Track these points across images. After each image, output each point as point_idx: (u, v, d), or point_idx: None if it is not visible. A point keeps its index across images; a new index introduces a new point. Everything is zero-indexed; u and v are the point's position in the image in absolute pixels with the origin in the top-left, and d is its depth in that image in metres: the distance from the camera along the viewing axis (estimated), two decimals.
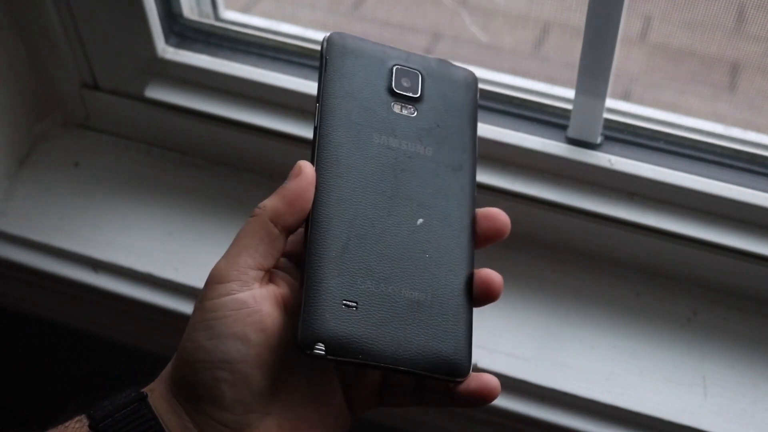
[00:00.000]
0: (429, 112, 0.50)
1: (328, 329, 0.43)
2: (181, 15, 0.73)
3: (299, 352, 0.42)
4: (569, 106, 0.64)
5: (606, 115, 0.64)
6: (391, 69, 0.49)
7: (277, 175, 0.74)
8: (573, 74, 0.61)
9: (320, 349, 0.42)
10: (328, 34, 0.49)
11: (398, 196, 0.47)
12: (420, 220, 0.48)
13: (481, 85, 0.68)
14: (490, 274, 0.48)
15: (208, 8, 0.74)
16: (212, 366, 0.42)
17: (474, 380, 0.45)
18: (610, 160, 0.63)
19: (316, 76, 0.70)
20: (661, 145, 0.65)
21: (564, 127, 0.65)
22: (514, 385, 0.62)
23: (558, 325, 0.65)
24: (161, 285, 0.70)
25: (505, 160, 0.66)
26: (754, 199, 0.61)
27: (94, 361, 0.87)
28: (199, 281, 0.69)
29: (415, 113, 0.50)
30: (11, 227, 0.73)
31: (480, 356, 0.63)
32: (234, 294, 0.44)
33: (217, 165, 0.76)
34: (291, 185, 0.45)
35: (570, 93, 0.64)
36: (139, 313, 0.71)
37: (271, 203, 0.45)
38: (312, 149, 0.47)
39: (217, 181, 0.75)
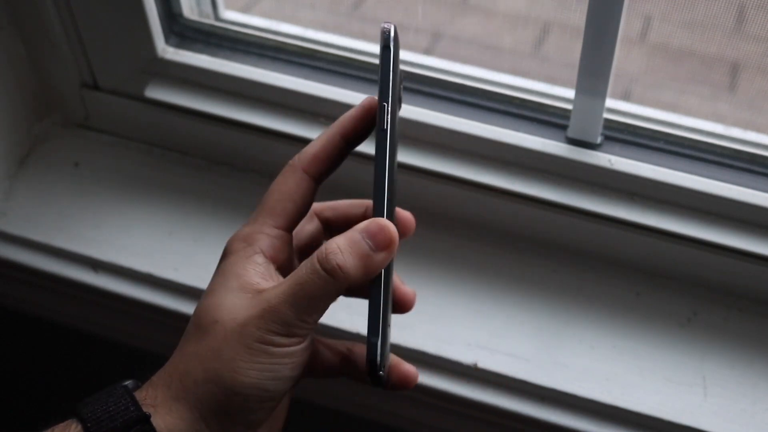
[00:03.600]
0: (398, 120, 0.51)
1: (387, 359, 0.47)
2: (181, 15, 0.73)
3: (371, 376, 0.45)
4: (569, 106, 0.64)
5: (606, 115, 0.64)
6: (400, 85, 0.50)
7: (277, 174, 0.74)
8: (573, 74, 0.61)
9: (384, 372, 0.46)
10: (390, 28, 0.47)
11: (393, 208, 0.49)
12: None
13: (481, 85, 0.68)
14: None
15: (208, 8, 0.74)
16: (266, 401, 0.46)
17: (394, 370, 0.51)
18: (610, 160, 0.63)
19: (316, 76, 0.70)
20: (661, 145, 0.65)
21: (564, 127, 0.65)
22: (514, 385, 0.62)
23: (558, 325, 0.65)
24: (161, 285, 0.70)
25: (505, 160, 0.66)
26: (754, 199, 0.61)
27: (94, 361, 0.87)
28: (199, 281, 0.69)
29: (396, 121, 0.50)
30: (11, 227, 0.73)
31: (480, 356, 0.63)
32: (298, 345, 0.46)
33: (217, 165, 0.76)
34: (379, 258, 0.45)
35: (570, 93, 0.64)
36: (139, 313, 0.71)
37: (354, 273, 0.45)
38: (381, 157, 0.46)
39: (217, 181, 0.75)
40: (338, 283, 0.44)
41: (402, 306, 0.55)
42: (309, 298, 0.45)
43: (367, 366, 0.45)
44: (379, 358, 0.45)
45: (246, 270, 0.47)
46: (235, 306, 0.46)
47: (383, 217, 0.46)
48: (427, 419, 0.68)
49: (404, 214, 0.54)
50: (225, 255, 0.50)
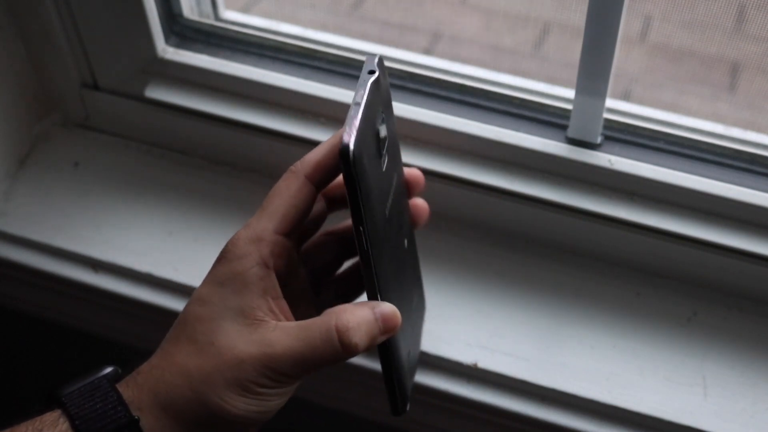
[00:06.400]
0: (391, 146, 0.50)
1: (410, 394, 0.54)
2: (181, 15, 0.73)
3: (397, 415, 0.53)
4: (569, 106, 0.64)
5: (606, 115, 0.64)
6: (377, 132, 0.48)
7: (277, 175, 0.74)
8: (573, 74, 0.61)
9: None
10: (352, 150, 0.43)
11: (400, 240, 0.51)
12: (405, 242, 0.52)
13: (481, 85, 0.68)
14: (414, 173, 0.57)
15: (208, 8, 0.74)
16: (251, 426, 0.46)
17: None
18: (610, 160, 0.63)
19: (316, 76, 0.70)
20: (661, 145, 0.65)
21: (564, 127, 0.65)
22: (514, 385, 0.62)
23: (558, 325, 0.65)
24: (161, 285, 0.70)
25: (505, 160, 0.66)
26: (754, 199, 0.61)
27: (94, 361, 0.87)
28: (199, 281, 0.68)
29: (387, 158, 0.49)
30: (11, 227, 0.73)
31: (481, 356, 0.63)
32: (293, 386, 0.47)
33: (217, 165, 0.76)
34: (381, 339, 0.48)
35: (570, 93, 0.64)
36: (139, 313, 0.71)
37: (362, 350, 0.47)
38: (367, 271, 0.47)
39: (217, 181, 0.75)
40: (347, 356, 0.46)
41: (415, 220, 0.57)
42: (316, 364, 0.46)
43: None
44: (401, 407, 0.52)
45: (247, 287, 0.47)
46: (233, 336, 0.46)
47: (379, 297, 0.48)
48: (427, 419, 0.68)
49: (412, 173, 0.56)
50: (225, 259, 0.49)
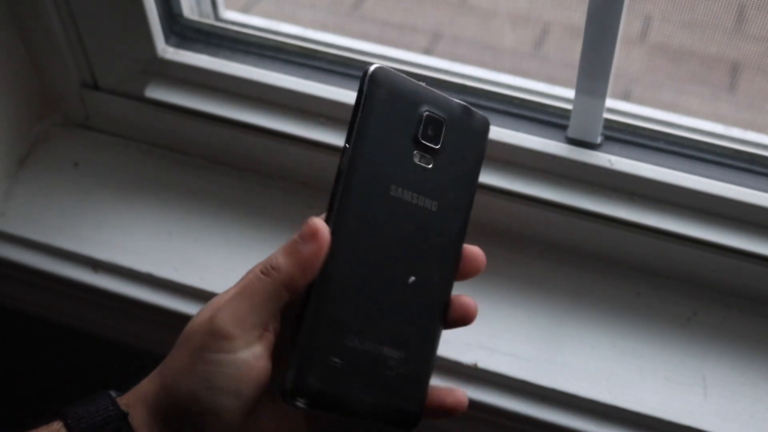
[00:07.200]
0: (443, 164, 0.49)
1: (312, 386, 0.44)
2: (181, 15, 0.73)
3: (282, 399, 0.44)
4: (569, 106, 0.64)
5: (606, 115, 0.64)
6: (421, 116, 0.48)
7: (277, 175, 0.74)
8: (573, 74, 0.61)
9: (302, 402, 0.44)
10: (371, 70, 0.47)
11: (397, 253, 0.48)
12: (412, 278, 0.48)
13: (481, 85, 0.68)
14: (467, 301, 0.51)
15: (208, 8, 0.74)
16: (204, 414, 0.44)
17: (449, 396, 0.49)
18: (610, 160, 0.63)
19: (316, 76, 0.70)
20: (661, 145, 0.65)
21: (564, 127, 0.65)
22: (514, 385, 0.62)
23: (558, 325, 0.65)
24: (161, 285, 0.70)
25: (505, 160, 0.66)
26: (754, 199, 0.61)
27: (94, 361, 0.87)
28: (199, 281, 0.69)
29: (431, 165, 0.49)
30: (11, 227, 0.73)
31: (480, 356, 0.63)
32: (237, 353, 0.45)
33: (217, 165, 0.76)
34: (307, 250, 0.45)
35: (570, 93, 0.64)
36: (139, 313, 0.71)
37: (286, 268, 0.45)
38: (333, 193, 0.46)
39: (217, 181, 0.75)
40: (273, 282, 0.45)
41: (458, 317, 0.51)
42: (246, 298, 0.45)
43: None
44: (290, 383, 0.44)
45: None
46: (200, 313, 0.47)
47: (326, 221, 0.46)
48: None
49: (472, 250, 0.51)
50: None
